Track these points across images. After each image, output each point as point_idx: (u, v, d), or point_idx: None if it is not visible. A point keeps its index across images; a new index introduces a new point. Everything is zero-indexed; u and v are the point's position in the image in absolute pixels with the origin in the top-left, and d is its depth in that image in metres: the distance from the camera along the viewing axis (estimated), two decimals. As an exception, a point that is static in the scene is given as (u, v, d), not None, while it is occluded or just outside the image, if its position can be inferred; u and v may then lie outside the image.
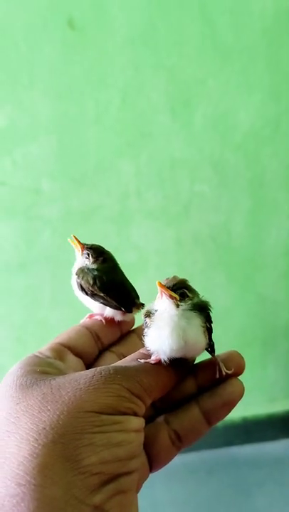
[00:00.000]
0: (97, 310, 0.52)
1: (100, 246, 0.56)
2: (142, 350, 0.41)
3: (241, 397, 0.42)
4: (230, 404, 0.41)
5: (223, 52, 1.09)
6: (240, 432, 1.40)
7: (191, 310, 0.40)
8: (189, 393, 0.43)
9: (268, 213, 1.23)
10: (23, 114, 1.06)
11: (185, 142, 1.14)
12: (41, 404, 0.34)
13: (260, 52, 1.10)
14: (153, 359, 0.39)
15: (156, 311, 0.41)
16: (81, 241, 0.55)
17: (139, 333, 0.48)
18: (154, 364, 0.39)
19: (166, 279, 0.42)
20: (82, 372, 0.37)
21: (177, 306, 0.40)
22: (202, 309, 0.41)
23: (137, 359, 0.40)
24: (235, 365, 0.42)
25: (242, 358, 0.43)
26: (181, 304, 0.40)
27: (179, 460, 1.38)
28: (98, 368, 0.37)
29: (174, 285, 0.40)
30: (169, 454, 0.42)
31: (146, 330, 0.41)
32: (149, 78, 1.08)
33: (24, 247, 1.15)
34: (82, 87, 1.06)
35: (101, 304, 0.52)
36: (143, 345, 0.41)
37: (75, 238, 0.55)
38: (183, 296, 0.40)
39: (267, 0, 1.06)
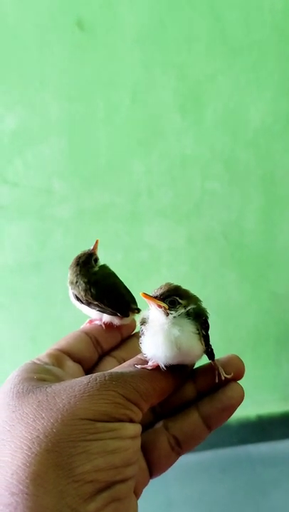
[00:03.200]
0: (96, 315, 0.53)
1: (77, 259, 0.55)
2: (139, 356, 0.41)
3: (241, 401, 0.41)
4: (230, 409, 0.41)
5: (232, 49, 1.08)
6: (255, 430, 1.40)
7: (184, 317, 0.39)
8: (189, 398, 0.43)
9: (281, 210, 1.22)
10: (34, 114, 1.07)
11: (196, 140, 1.13)
12: (36, 412, 0.34)
13: (271, 47, 1.09)
14: (150, 365, 0.39)
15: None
16: (98, 246, 0.57)
17: None
18: (151, 370, 0.39)
19: (159, 288, 0.41)
20: (78, 379, 0.37)
21: (167, 314, 0.39)
22: (198, 316, 0.40)
23: (134, 365, 0.40)
24: (235, 370, 0.42)
25: (242, 362, 0.43)
26: (172, 312, 0.39)
27: (194, 458, 1.38)
28: (94, 375, 0.37)
29: (161, 294, 0.40)
30: (168, 460, 0.42)
31: (142, 337, 0.41)
32: (159, 76, 1.08)
33: (37, 247, 1.16)
34: (92, 87, 1.07)
35: (98, 312, 0.53)
36: None
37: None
38: (173, 304, 0.40)
39: (277, -6, 1.05)
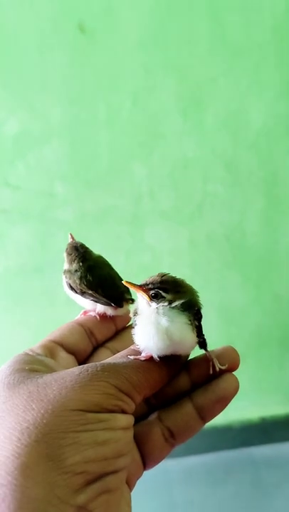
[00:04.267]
0: (90, 306, 0.53)
1: (73, 245, 0.56)
2: (133, 347, 0.41)
3: (236, 392, 0.41)
4: (225, 401, 0.41)
5: (233, 51, 1.09)
6: (258, 432, 1.39)
7: (173, 308, 0.39)
8: (183, 389, 0.42)
9: (282, 211, 1.22)
10: (36, 118, 1.07)
11: (197, 142, 1.14)
12: (26, 403, 0.34)
13: (271, 49, 1.09)
14: (143, 356, 0.39)
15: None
16: (75, 239, 0.57)
17: None
18: (144, 360, 0.39)
19: (150, 277, 0.41)
20: (70, 369, 0.37)
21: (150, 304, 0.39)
22: (190, 307, 0.40)
23: (127, 356, 0.40)
24: (230, 361, 0.41)
25: (236, 352, 0.42)
26: (153, 301, 0.39)
27: (197, 460, 1.37)
28: (85, 366, 0.37)
29: (146, 284, 0.40)
30: (162, 452, 0.42)
31: (134, 328, 0.41)
32: (160, 79, 1.08)
33: (39, 250, 1.16)
34: (94, 90, 1.07)
35: (92, 302, 0.53)
36: None
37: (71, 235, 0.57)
38: (156, 297, 0.39)
39: (277, -3, 1.06)
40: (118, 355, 0.41)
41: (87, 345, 0.49)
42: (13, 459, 0.30)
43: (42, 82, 1.06)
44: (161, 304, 0.39)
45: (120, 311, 0.52)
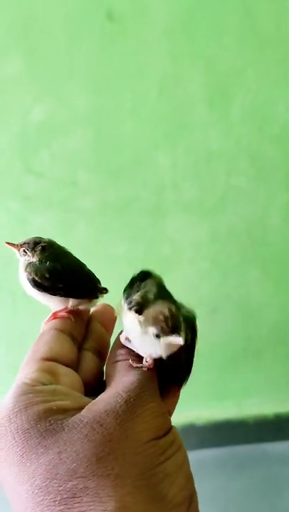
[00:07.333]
0: (60, 305, 0.46)
1: (33, 237, 0.50)
2: (122, 351, 0.38)
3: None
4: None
5: (262, 42, 1.06)
6: (272, 428, 1.39)
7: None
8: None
9: (307, 207, 1.20)
10: (62, 107, 1.08)
11: (222, 134, 1.12)
12: (95, 450, 0.29)
13: (302, 40, 1.07)
14: (150, 363, 0.37)
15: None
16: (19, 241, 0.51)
17: (99, 318, 0.46)
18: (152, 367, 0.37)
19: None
20: (106, 399, 0.33)
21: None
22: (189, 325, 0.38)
23: (135, 365, 0.37)
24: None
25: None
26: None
27: (209, 454, 1.37)
28: (119, 391, 0.33)
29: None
30: None
31: (127, 334, 0.39)
32: (187, 69, 1.07)
33: (60, 239, 1.16)
34: (120, 79, 1.07)
35: (62, 298, 0.45)
36: (107, 333, 0.44)
37: (9, 244, 0.49)
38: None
39: (310, -14, 1.03)
40: (123, 367, 0.38)
41: (76, 352, 0.43)
42: None
43: (69, 70, 1.06)
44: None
45: (94, 304, 0.47)
